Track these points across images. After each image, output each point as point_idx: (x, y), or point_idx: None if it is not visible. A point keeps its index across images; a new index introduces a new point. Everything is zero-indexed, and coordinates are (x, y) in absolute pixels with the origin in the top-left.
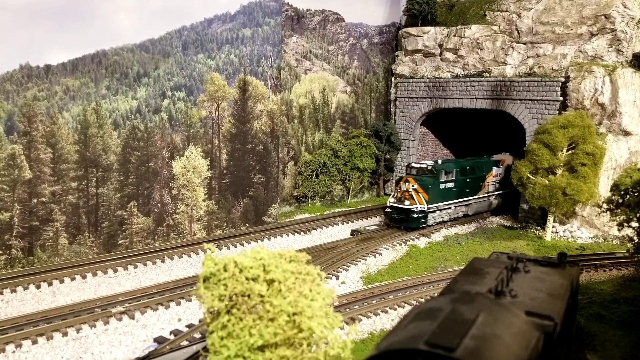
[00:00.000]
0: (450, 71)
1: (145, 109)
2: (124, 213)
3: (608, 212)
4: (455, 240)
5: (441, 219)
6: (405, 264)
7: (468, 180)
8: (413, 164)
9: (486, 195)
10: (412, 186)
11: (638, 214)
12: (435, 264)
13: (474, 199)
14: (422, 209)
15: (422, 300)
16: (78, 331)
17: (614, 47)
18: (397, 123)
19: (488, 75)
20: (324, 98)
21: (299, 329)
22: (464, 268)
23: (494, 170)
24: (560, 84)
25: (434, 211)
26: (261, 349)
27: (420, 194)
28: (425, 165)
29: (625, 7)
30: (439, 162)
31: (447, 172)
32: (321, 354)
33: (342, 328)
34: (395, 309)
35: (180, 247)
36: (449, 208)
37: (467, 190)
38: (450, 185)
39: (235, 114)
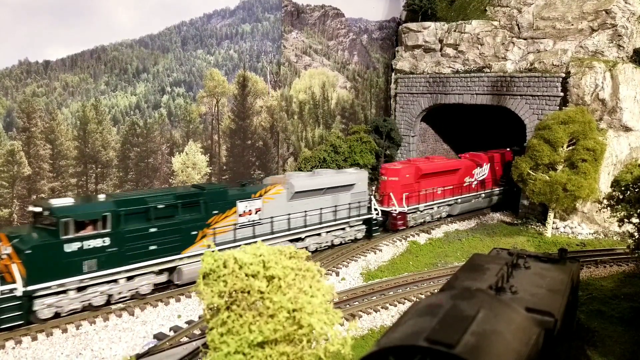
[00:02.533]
0: (450, 67)
1: (145, 105)
2: None
3: (608, 208)
4: (456, 236)
5: (81, 305)
6: (406, 261)
7: (155, 229)
8: (31, 205)
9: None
10: (5, 249)
11: (639, 210)
12: (436, 260)
13: (181, 259)
14: (12, 292)
15: (422, 296)
16: (78, 327)
17: (614, 42)
18: (397, 119)
19: (488, 70)
20: (323, 94)
21: (299, 326)
22: (464, 264)
23: (241, 207)
24: (561, 79)
25: (46, 295)
26: (261, 345)
27: (15, 266)
28: (40, 210)
29: (626, 3)
30: (101, 197)
31: (80, 222)
32: (321, 350)
33: (342, 324)
34: (395, 306)
35: None
36: (106, 284)
37: (156, 246)
38: (98, 243)
39: (235, 109)
